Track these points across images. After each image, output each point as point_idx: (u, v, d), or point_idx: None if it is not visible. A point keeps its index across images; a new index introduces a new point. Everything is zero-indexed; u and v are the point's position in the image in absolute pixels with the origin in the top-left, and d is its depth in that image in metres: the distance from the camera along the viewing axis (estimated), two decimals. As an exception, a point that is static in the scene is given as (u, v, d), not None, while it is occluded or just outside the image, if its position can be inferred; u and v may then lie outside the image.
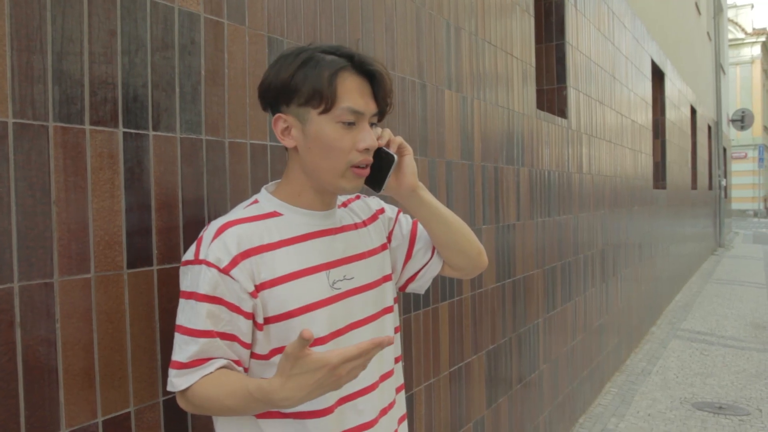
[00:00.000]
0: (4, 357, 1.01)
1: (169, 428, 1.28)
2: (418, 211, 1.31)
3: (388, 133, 1.22)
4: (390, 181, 1.23)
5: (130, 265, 1.21)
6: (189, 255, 1.13)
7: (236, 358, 1.12)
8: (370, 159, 1.17)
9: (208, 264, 1.09)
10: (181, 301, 1.12)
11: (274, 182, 1.27)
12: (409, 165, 1.25)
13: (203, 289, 1.08)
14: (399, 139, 1.23)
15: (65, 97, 1.10)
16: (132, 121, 1.22)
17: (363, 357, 0.95)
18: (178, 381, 1.10)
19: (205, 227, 1.16)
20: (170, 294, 1.28)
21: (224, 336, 1.10)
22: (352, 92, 1.13)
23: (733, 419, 4.19)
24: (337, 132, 1.13)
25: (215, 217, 1.37)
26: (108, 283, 1.17)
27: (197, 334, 1.08)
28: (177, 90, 1.32)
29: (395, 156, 1.20)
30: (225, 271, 1.09)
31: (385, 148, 1.21)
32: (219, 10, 1.42)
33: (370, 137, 1.15)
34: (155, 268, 1.25)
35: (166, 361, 1.26)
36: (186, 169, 1.33)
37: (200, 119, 1.37)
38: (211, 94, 1.40)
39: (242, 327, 1.11)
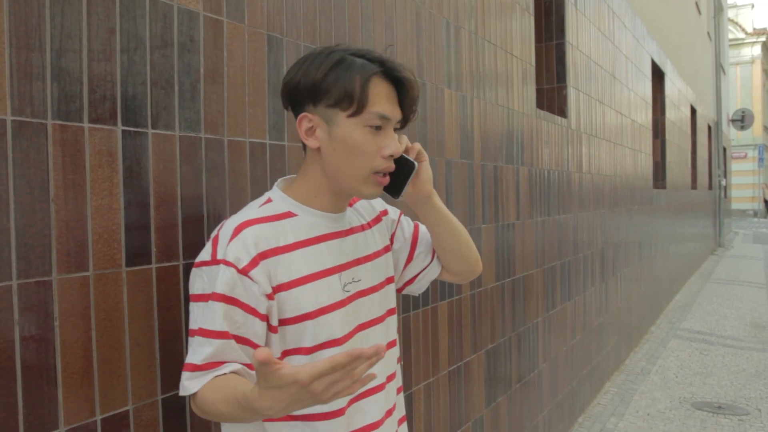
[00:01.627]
0: (2, 355, 1.01)
1: (168, 426, 1.28)
2: (429, 215, 1.31)
3: (405, 140, 1.21)
4: (408, 187, 1.23)
5: (128, 263, 1.20)
6: (204, 256, 1.12)
7: (249, 362, 1.11)
8: (392, 166, 1.17)
9: (227, 263, 1.08)
10: (196, 304, 1.11)
11: (286, 178, 1.26)
12: (425, 171, 1.25)
13: (220, 289, 1.07)
14: (417, 146, 1.23)
15: (64, 95, 1.10)
16: (131, 119, 1.22)
17: (341, 371, 0.86)
18: (189, 384, 1.08)
19: (219, 226, 1.15)
20: (169, 292, 1.28)
21: (238, 339, 1.09)
22: (381, 97, 1.13)
23: (732, 419, 4.19)
24: (364, 136, 1.13)
25: (214, 216, 1.38)
26: (106, 281, 1.16)
27: (213, 335, 1.07)
28: (176, 88, 1.32)
29: (416, 163, 1.20)
30: (244, 271, 1.08)
31: (405, 155, 1.20)
32: (218, 8, 1.42)
33: (395, 144, 1.15)
34: (154, 266, 1.25)
35: (165, 360, 1.27)
36: (185, 167, 1.33)
37: (199, 117, 1.37)
38: (210, 93, 1.40)
39: (257, 330, 1.10)
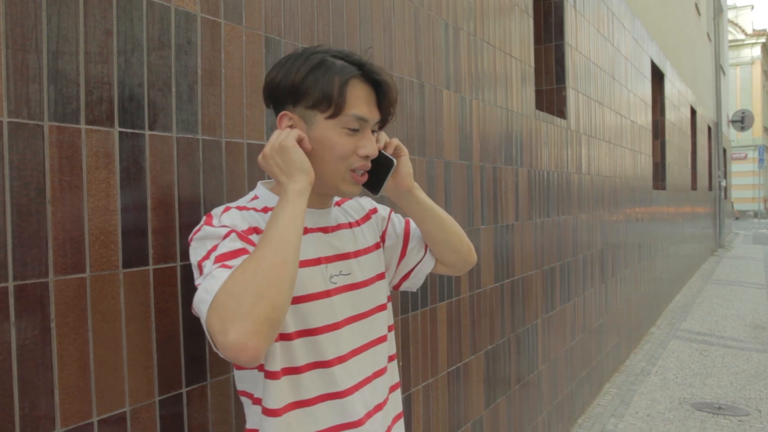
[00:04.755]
0: (-2, 356, 1.01)
1: (165, 428, 1.27)
2: (413, 210, 1.34)
3: (384, 137, 1.25)
4: (388, 182, 1.26)
5: (125, 265, 1.20)
6: (198, 226, 1.12)
7: None
8: (368, 165, 1.20)
9: (225, 226, 1.09)
10: (206, 262, 1.05)
11: (269, 180, 1.28)
12: (405, 166, 1.29)
13: (236, 228, 1.08)
14: (395, 142, 1.26)
15: (61, 97, 1.10)
16: (128, 121, 1.22)
17: None
18: (220, 272, 1.00)
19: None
20: (166, 294, 1.28)
21: None
22: (360, 100, 1.16)
23: (732, 420, 4.19)
24: (341, 137, 1.15)
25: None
26: (103, 282, 1.16)
27: (242, 252, 1.04)
28: (173, 90, 1.32)
29: (394, 160, 1.24)
30: (242, 235, 1.08)
31: (383, 152, 1.23)
32: (216, 10, 1.42)
33: (371, 145, 1.18)
34: (151, 267, 1.25)
35: (162, 361, 1.27)
36: (182, 168, 1.33)
37: (197, 119, 1.37)
38: (207, 94, 1.40)
39: None
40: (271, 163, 1.12)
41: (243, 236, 1.08)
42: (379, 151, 1.22)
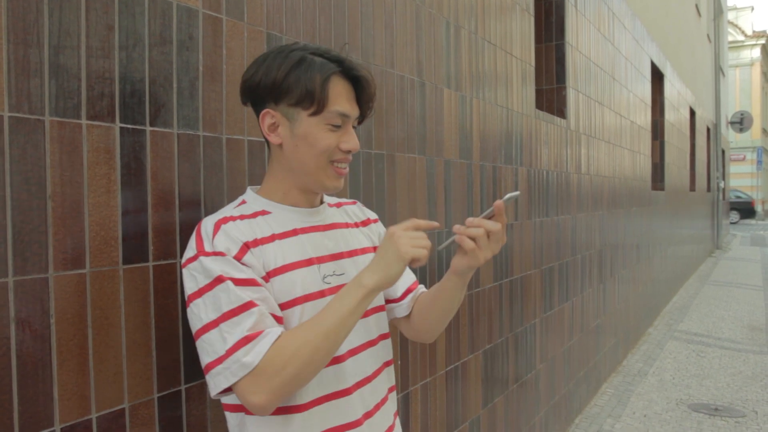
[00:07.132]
0: (-3, 352, 1.01)
1: (164, 424, 1.27)
2: (450, 284, 1.27)
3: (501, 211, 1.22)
4: (463, 260, 1.20)
5: (125, 261, 1.20)
6: (190, 253, 1.12)
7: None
8: (350, 159, 1.22)
9: (219, 253, 1.09)
10: (195, 302, 1.08)
11: (258, 186, 1.29)
12: (480, 259, 1.21)
13: (227, 272, 1.07)
14: (498, 229, 1.22)
15: (62, 92, 1.10)
16: (129, 117, 1.21)
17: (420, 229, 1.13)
18: (250, 358, 1.03)
19: (198, 225, 1.16)
20: (166, 290, 1.28)
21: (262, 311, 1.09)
22: (341, 96, 1.17)
23: (728, 421, 4.20)
24: (324, 133, 1.17)
25: (212, 214, 1.37)
26: (103, 278, 1.16)
27: (248, 306, 1.05)
28: (174, 86, 1.31)
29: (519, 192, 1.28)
30: (236, 258, 1.09)
31: (486, 220, 1.21)
32: (218, 6, 1.42)
33: (353, 140, 1.20)
34: (151, 264, 1.25)
35: (161, 358, 1.26)
36: (183, 165, 1.33)
37: (198, 115, 1.36)
38: (208, 91, 1.39)
39: (271, 301, 1.11)
40: (399, 242, 1.10)
41: (238, 281, 1.07)
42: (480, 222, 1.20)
